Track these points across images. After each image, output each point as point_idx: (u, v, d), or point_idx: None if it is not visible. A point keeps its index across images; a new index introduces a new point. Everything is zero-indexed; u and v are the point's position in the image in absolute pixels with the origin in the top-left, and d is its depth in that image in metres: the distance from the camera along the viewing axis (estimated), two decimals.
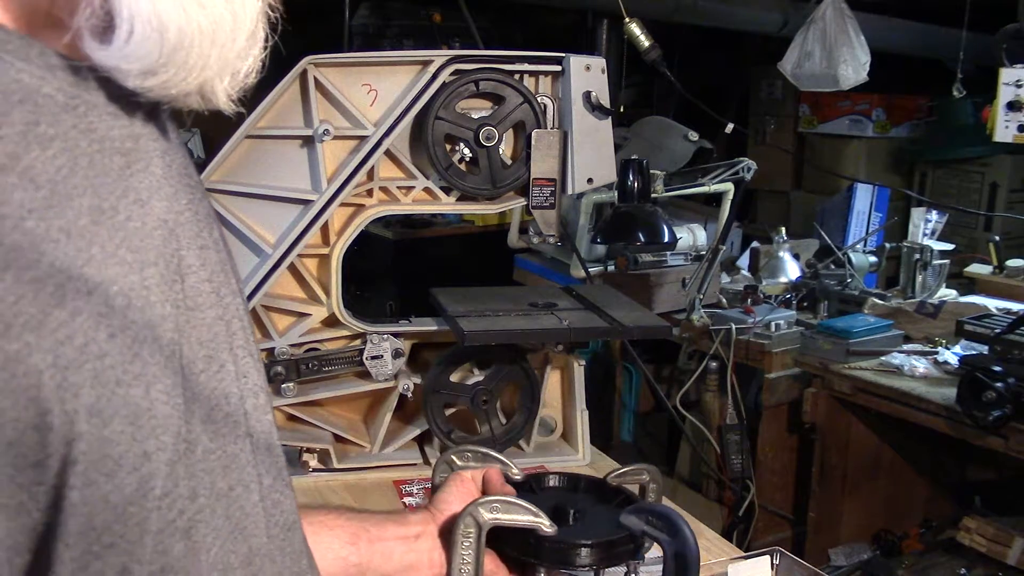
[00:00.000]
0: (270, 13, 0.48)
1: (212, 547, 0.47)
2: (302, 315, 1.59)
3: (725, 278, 3.18)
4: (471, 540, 0.87)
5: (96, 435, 0.40)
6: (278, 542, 0.53)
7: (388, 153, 1.57)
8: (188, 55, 0.43)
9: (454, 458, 1.02)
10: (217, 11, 0.44)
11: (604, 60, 1.61)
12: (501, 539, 0.90)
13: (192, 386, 0.46)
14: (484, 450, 1.03)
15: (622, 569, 0.95)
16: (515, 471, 0.99)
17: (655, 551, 0.94)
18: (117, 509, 0.41)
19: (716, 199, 2.91)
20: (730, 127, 2.66)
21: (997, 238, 3.29)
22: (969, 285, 3.17)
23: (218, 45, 0.44)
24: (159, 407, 0.43)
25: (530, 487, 0.98)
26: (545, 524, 0.87)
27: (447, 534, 0.90)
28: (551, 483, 1.02)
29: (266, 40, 0.48)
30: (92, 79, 0.44)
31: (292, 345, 1.58)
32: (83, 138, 0.43)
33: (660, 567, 0.86)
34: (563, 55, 1.58)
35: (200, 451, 0.46)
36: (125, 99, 0.45)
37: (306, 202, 1.53)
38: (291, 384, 1.57)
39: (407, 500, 1.55)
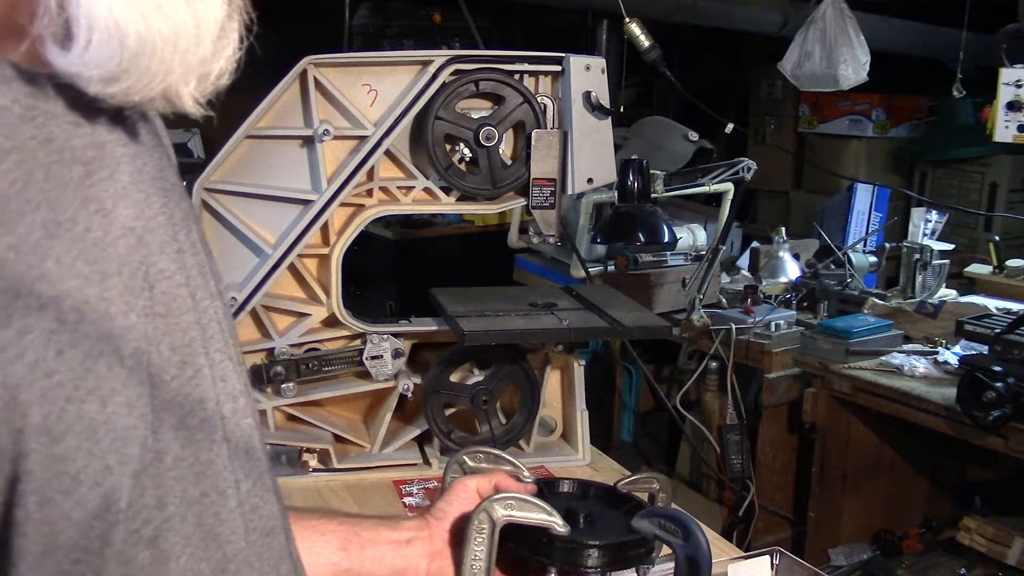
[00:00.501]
0: (245, 16, 0.47)
1: (181, 555, 0.47)
2: (302, 315, 1.59)
3: (725, 278, 3.18)
4: (484, 536, 0.87)
5: (46, 452, 0.40)
6: (256, 547, 0.53)
7: (388, 153, 1.57)
8: (150, 61, 0.43)
9: (466, 459, 1.02)
10: (178, 17, 0.43)
11: (604, 60, 1.61)
12: (511, 538, 0.90)
13: (162, 394, 0.46)
14: (497, 452, 1.03)
15: (631, 573, 0.95)
16: (526, 474, 0.99)
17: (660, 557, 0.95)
18: (82, 526, 0.41)
19: (716, 199, 2.90)
20: (730, 127, 2.66)
21: (997, 238, 3.29)
22: (969, 285, 3.17)
23: (181, 51, 0.44)
24: (119, 420, 0.43)
25: (541, 491, 0.98)
26: (558, 524, 0.88)
27: (455, 537, 0.90)
28: (562, 488, 1.02)
29: (241, 42, 0.47)
30: (51, 88, 0.43)
31: (292, 345, 1.58)
32: (41, 149, 0.42)
33: (663, 570, 0.87)
34: (563, 55, 1.58)
35: (170, 459, 0.46)
36: (87, 106, 0.45)
37: (306, 202, 1.53)
38: (291, 384, 1.57)
39: (407, 500, 1.55)
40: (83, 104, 0.44)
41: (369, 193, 1.60)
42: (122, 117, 0.48)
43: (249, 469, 0.53)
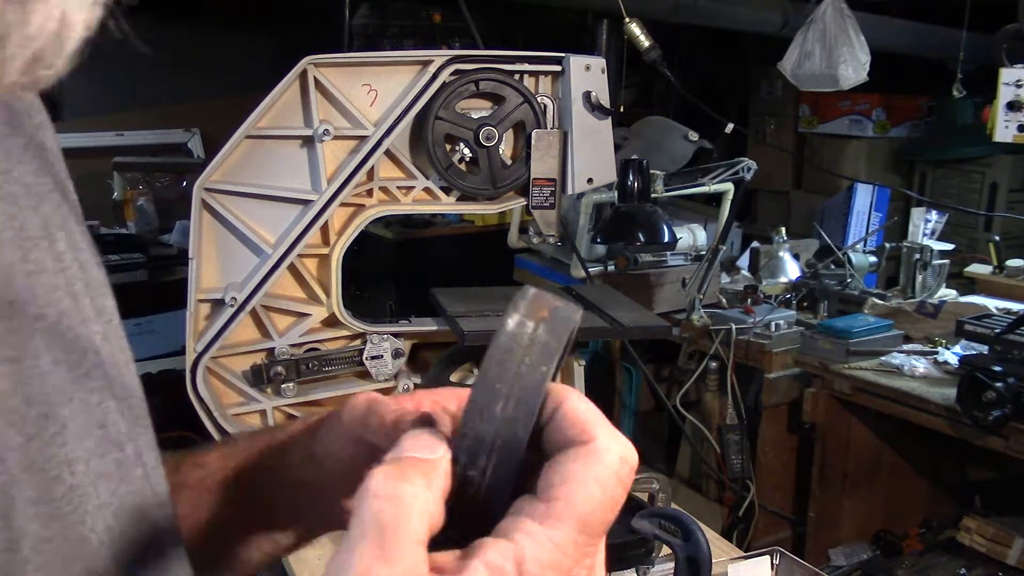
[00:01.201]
0: None
1: None
2: (302, 315, 1.59)
3: (725, 278, 3.18)
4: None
5: None
6: None
7: (388, 153, 1.57)
8: None
9: None
10: None
11: (604, 60, 1.61)
12: None
13: (14, 463, 0.36)
14: None
15: (631, 573, 0.95)
16: None
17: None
18: None
19: (716, 199, 2.91)
20: (730, 127, 2.66)
21: (997, 238, 3.29)
22: (969, 285, 3.17)
23: None
24: None
25: None
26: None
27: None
28: None
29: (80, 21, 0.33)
30: None
31: (292, 345, 1.58)
32: None
33: (663, 570, 0.87)
34: (563, 55, 1.58)
35: (27, 548, 0.36)
36: None
37: (306, 202, 1.53)
38: (291, 384, 1.57)
39: None
40: None
41: (369, 193, 1.60)
42: None
43: (133, 538, 0.42)
